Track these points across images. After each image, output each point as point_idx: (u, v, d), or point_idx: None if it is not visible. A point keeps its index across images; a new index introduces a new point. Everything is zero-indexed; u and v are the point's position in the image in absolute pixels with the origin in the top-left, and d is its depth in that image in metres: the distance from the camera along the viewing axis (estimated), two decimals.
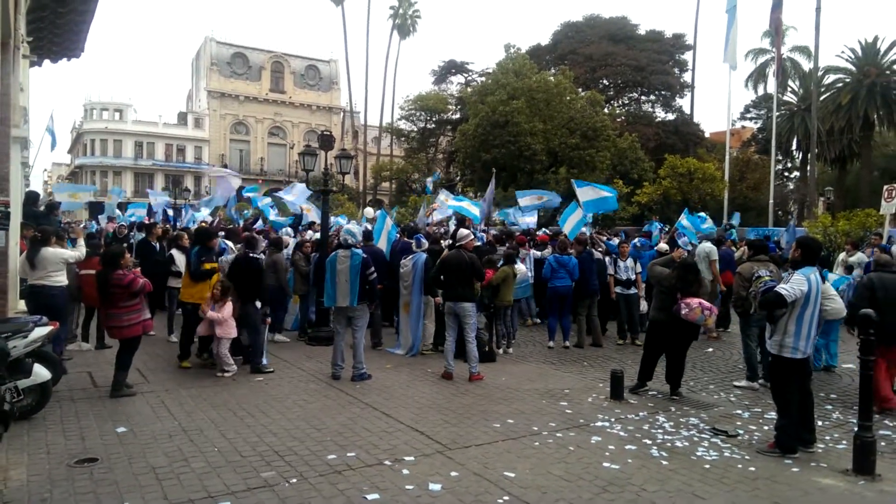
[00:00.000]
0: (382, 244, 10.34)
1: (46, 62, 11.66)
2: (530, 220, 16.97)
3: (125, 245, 13.37)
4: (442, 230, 15.42)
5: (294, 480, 4.66)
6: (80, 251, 8.15)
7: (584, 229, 11.50)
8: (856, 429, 5.18)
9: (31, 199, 10.87)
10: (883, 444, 5.64)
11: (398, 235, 11.24)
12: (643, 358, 7.65)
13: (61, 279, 7.73)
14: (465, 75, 49.28)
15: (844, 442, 5.72)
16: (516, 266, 9.79)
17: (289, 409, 6.52)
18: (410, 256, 9.49)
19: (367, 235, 10.38)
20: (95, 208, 31.28)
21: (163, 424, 5.92)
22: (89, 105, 55.84)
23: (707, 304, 7.09)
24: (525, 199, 16.68)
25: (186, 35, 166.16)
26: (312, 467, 4.92)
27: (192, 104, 64.32)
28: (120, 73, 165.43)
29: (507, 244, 11.68)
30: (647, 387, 7.60)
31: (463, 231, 9.19)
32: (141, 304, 7.07)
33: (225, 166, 53.67)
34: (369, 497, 4.37)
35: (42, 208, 12.75)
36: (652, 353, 7.59)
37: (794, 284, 5.42)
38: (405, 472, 4.87)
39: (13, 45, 7.88)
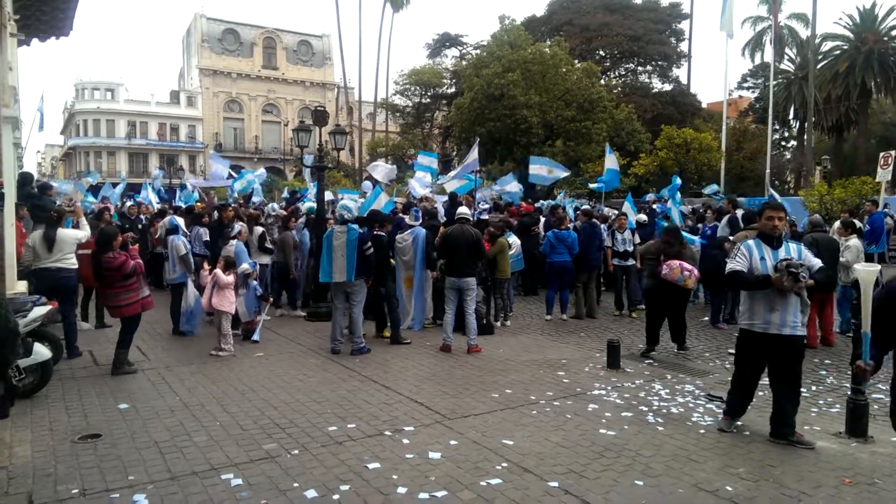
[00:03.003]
0: None
1: (35, 41, 11.47)
2: (513, 189, 16.84)
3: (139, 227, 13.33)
4: (437, 206, 15.38)
5: (296, 451, 4.73)
6: (87, 231, 8.12)
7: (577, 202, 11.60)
8: (849, 393, 5.25)
9: (25, 180, 10.76)
10: (875, 407, 5.71)
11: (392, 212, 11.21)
12: (647, 325, 8.04)
13: (74, 260, 7.66)
14: (460, 48, 48.74)
15: (838, 406, 5.81)
16: (510, 238, 9.82)
17: (289, 383, 6.59)
18: (409, 231, 9.40)
19: None
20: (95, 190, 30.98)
21: (164, 400, 5.98)
22: (80, 85, 55.11)
23: (688, 265, 7.48)
24: (536, 166, 16.13)
25: (176, 11, 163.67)
26: (314, 439, 4.99)
27: (184, 82, 63.51)
28: (110, 52, 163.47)
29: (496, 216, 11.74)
30: (656, 350, 7.89)
31: (464, 209, 9.14)
32: (138, 284, 7.03)
33: (219, 145, 53.36)
34: (370, 466, 4.45)
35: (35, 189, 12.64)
36: (654, 318, 7.96)
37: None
38: (405, 441, 4.94)
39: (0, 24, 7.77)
